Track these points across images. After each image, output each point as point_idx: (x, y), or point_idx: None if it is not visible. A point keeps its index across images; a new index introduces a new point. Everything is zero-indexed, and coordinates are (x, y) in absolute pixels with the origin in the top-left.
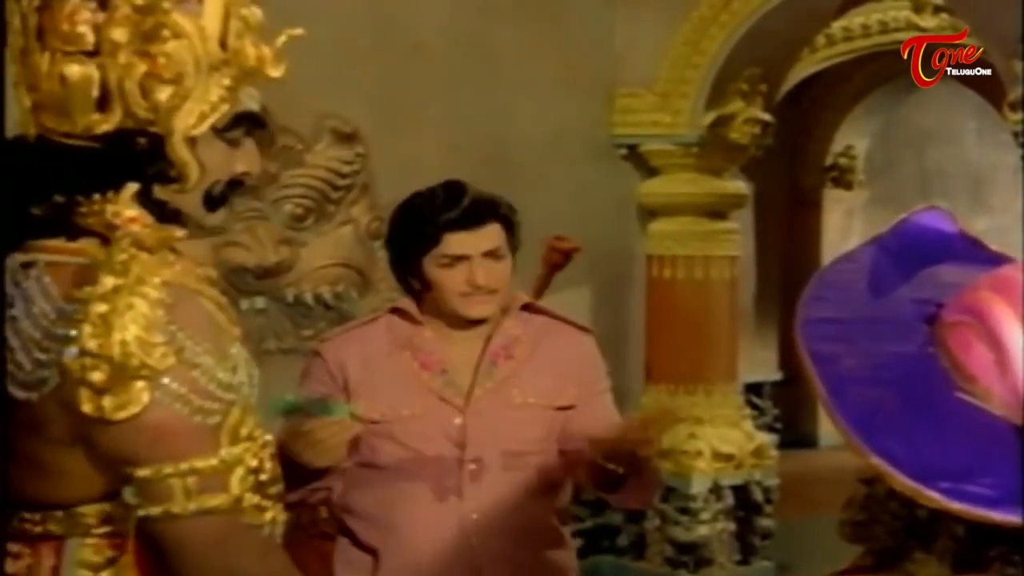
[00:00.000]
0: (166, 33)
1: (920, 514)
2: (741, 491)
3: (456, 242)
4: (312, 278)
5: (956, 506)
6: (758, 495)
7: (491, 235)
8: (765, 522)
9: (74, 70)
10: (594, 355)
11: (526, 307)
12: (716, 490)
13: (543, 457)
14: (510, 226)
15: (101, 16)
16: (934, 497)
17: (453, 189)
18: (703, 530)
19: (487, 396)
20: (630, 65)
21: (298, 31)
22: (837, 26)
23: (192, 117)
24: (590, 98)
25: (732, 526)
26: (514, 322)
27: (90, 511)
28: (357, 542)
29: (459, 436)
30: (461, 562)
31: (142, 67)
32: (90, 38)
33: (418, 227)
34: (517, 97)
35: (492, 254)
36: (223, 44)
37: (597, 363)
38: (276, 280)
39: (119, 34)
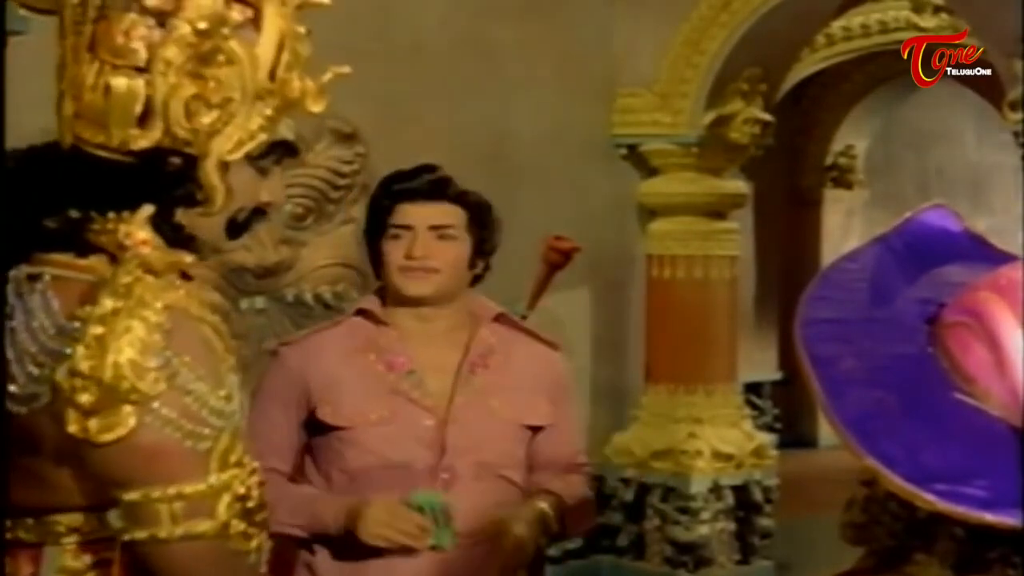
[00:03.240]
0: (221, 58)
1: (920, 515)
2: (741, 491)
3: (403, 212)
4: (312, 278)
5: (950, 508)
6: (758, 495)
7: (443, 212)
8: (765, 522)
9: (120, 83)
10: (565, 373)
11: (496, 319)
12: (716, 490)
13: (513, 471)
14: (478, 218)
15: (157, 34)
16: (929, 499)
17: (422, 167)
18: (703, 530)
19: (468, 405)
20: (630, 65)
21: (345, 69)
22: (837, 26)
23: (230, 143)
24: (590, 98)
25: (732, 526)
26: (488, 332)
27: (62, 520)
28: (321, 555)
29: (432, 440)
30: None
31: (191, 89)
32: (143, 54)
33: (377, 199)
34: (517, 97)
35: (439, 231)
36: (272, 74)
37: (567, 381)
38: (276, 280)
39: (174, 54)
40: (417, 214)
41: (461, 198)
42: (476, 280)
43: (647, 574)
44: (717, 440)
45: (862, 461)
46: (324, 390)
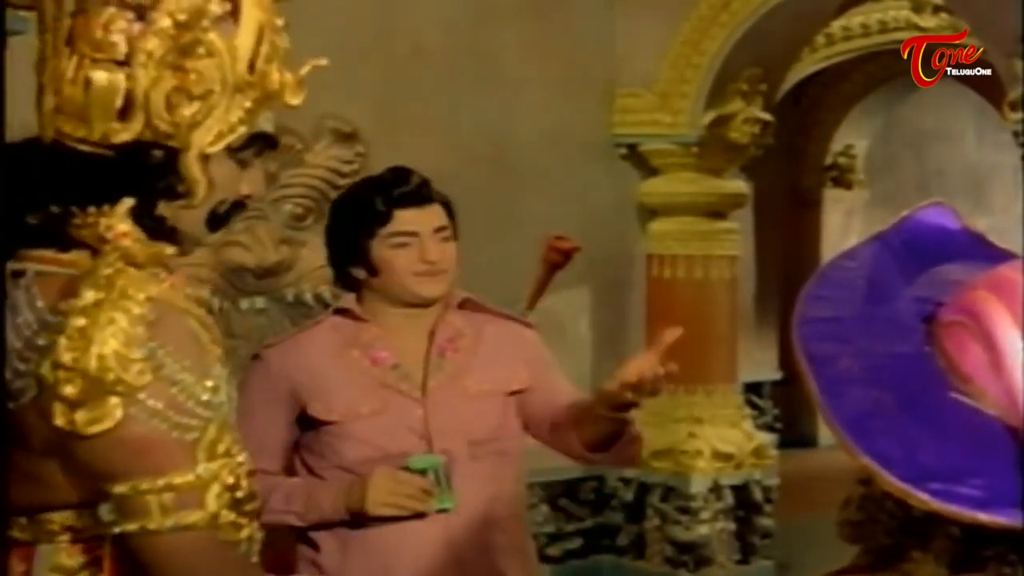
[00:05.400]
0: (201, 50)
1: (916, 514)
2: (741, 491)
3: (407, 219)
4: (312, 278)
5: (944, 507)
6: (758, 495)
7: (439, 214)
8: (765, 522)
9: (101, 76)
10: (540, 346)
11: (463, 305)
12: (716, 490)
13: (505, 444)
14: (451, 213)
15: (136, 27)
16: (923, 498)
17: (400, 170)
18: (703, 530)
19: (442, 387)
20: (630, 65)
21: (322, 61)
22: (837, 26)
23: (211, 135)
24: (590, 98)
25: (732, 526)
26: (455, 316)
27: (56, 518)
28: (323, 546)
29: (423, 429)
30: (443, 559)
31: (172, 81)
32: (122, 48)
33: (369, 206)
34: (517, 97)
35: (441, 232)
36: (251, 66)
37: (544, 350)
38: (276, 280)
39: (154, 46)
40: (419, 220)
41: (440, 197)
42: None
43: (647, 574)
44: (717, 440)
45: (858, 460)
46: (312, 388)
